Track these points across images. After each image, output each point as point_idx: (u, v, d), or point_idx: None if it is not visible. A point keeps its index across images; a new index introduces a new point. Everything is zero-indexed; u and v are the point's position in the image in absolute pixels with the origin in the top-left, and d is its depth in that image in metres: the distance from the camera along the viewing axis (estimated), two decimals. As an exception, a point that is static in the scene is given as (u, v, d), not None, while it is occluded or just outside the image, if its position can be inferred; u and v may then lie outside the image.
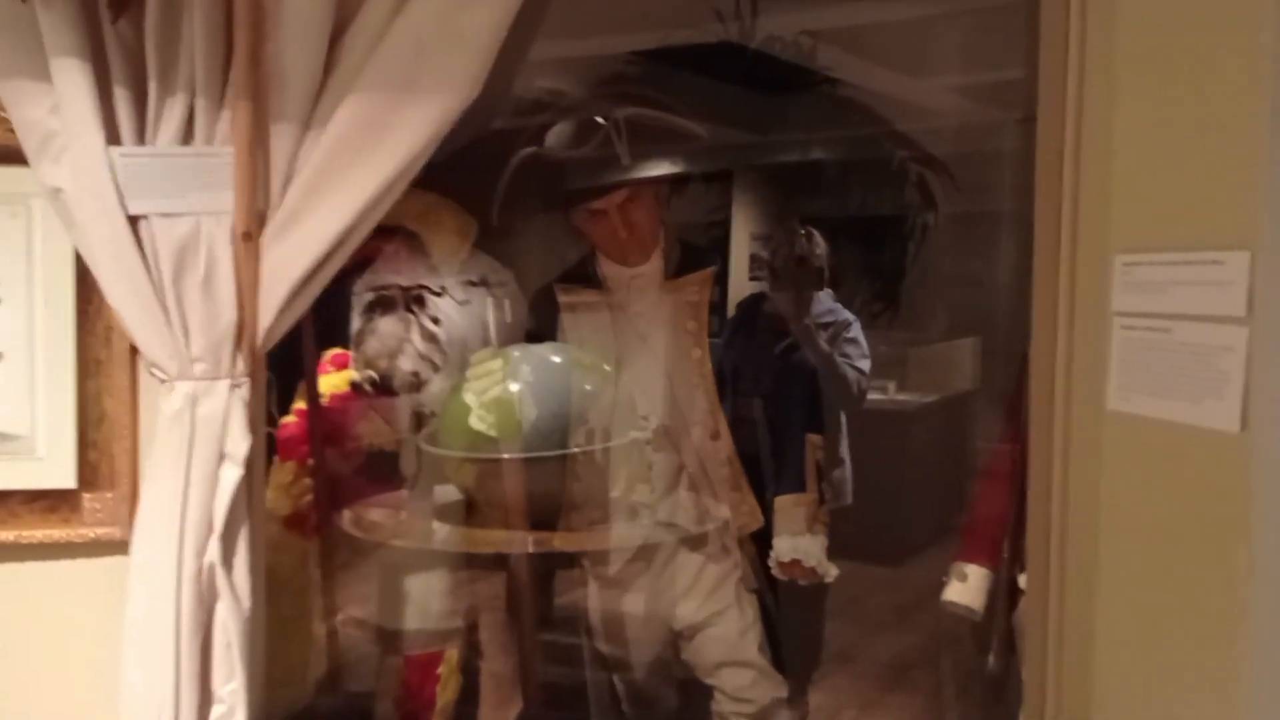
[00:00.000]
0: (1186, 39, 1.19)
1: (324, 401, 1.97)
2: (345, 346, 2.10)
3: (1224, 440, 1.11)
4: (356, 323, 2.19)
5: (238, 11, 1.45)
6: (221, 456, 1.47)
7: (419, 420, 2.16)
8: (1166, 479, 1.20)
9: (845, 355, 2.84)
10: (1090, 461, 1.32)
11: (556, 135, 2.07)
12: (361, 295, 2.24)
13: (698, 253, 2.22)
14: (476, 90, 1.48)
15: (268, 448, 1.96)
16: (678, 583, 2.07)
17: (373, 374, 2.17)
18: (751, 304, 2.56)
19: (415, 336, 2.19)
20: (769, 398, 2.31)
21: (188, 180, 1.46)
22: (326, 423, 1.94)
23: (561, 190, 2.08)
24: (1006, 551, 1.88)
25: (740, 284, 5.23)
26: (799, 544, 1.99)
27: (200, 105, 1.46)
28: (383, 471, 2.05)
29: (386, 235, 2.07)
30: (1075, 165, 1.36)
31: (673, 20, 2.59)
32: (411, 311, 2.21)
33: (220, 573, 1.46)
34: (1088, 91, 1.35)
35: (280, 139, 1.49)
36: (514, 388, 1.90)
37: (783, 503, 2.05)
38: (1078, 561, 1.39)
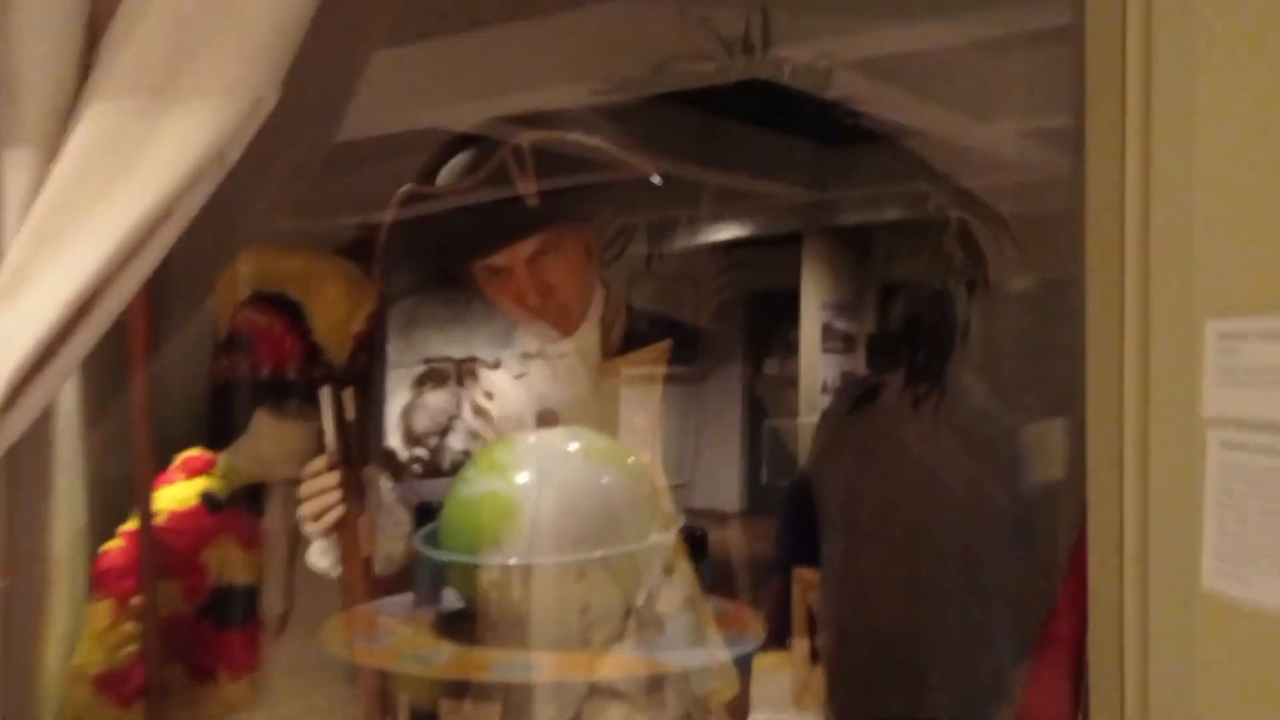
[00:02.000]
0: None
1: (160, 520, 1.55)
2: (211, 447, 1.69)
3: None
4: (405, 397, 2.00)
5: (-51, -2, 1.06)
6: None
7: (425, 514, 1.78)
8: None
9: (1004, 480, 2.04)
10: (1179, 670, 0.80)
11: (450, 170, 1.63)
12: (411, 368, 2.03)
13: (652, 322, 1.76)
14: (271, 92, 1.06)
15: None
16: (628, 767, 1.57)
17: (423, 453, 1.95)
18: (853, 391, 2.03)
19: (466, 413, 1.95)
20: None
21: (-127, 230, 1.07)
22: (163, 548, 1.53)
23: (453, 241, 1.65)
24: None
25: (811, 362, 4.75)
26: (782, 725, 1.47)
27: (-105, 128, 1.07)
28: (234, 614, 1.64)
29: (263, 307, 1.67)
30: (1142, 185, 0.86)
31: (680, 55, 2.17)
32: (463, 385, 1.97)
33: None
34: (1158, 80, 0.85)
35: (13, 172, 1.08)
36: (521, 480, 1.57)
37: (762, 664, 1.55)
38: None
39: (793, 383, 5.13)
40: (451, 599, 1.69)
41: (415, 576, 1.73)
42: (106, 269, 1.06)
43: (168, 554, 1.56)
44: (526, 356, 2.00)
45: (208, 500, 1.61)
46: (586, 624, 1.61)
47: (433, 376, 1.99)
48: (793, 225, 4.34)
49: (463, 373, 1.98)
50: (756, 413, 5.68)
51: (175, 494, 1.61)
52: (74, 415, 1.40)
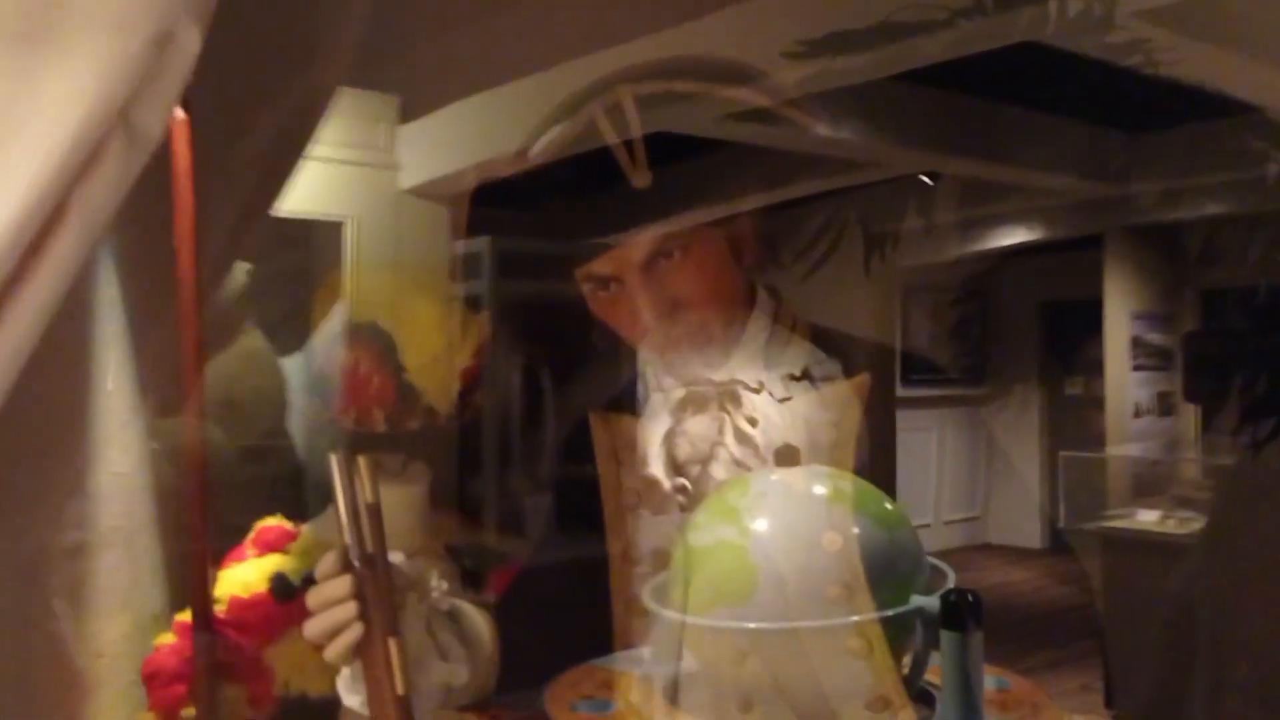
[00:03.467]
0: None
1: (220, 610, 1.26)
2: (293, 516, 1.39)
3: None
4: (666, 423, 1.80)
5: None
6: None
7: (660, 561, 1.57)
8: None
9: None
10: None
11: (541, 146, 1.27)
12: (670, 391, 1.85)
13: (840, 348, 1.32)
14: (185, 27, 0.81)
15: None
16: None
17: (685, 483, 1.71)
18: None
19: (729, 439, 1.76)
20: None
21: None
22: (222, 646, 1.22)
23: (543, 241, 1.30)
24: None
25: (1119, 381, 4.19)
26: None
27: None
28: (308, 731, 1.30)
29: (352, 339, 1.42)
30: None
31: (910, 5, 1.75)
32: (726, 411, 1.79)
33: None
34: None
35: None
36: (756, 529, 1.32)
37: None
38: None
39: (1099, 405, 4.58)
40: (692, 658, 1.45)
41: (652, 630, 1.50)
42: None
43: (228, 652, 1.22)
44: (792, 379, 1.77)
45: (278, 585, 1.21)
46: (833, 700, 1.32)
47: (693, 401, 1.79)
48: (1091, 224, 3.83)
49: (724, 397, 1.80)
50: (1058, 439, 5.11)
51: (241, 576, 1.29)
52: (140, 471, 1.11)
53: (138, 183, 0.75)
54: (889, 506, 1.33)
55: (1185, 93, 2.29)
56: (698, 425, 1.64)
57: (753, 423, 1.70)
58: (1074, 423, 5.03)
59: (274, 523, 1.35)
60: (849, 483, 1.35)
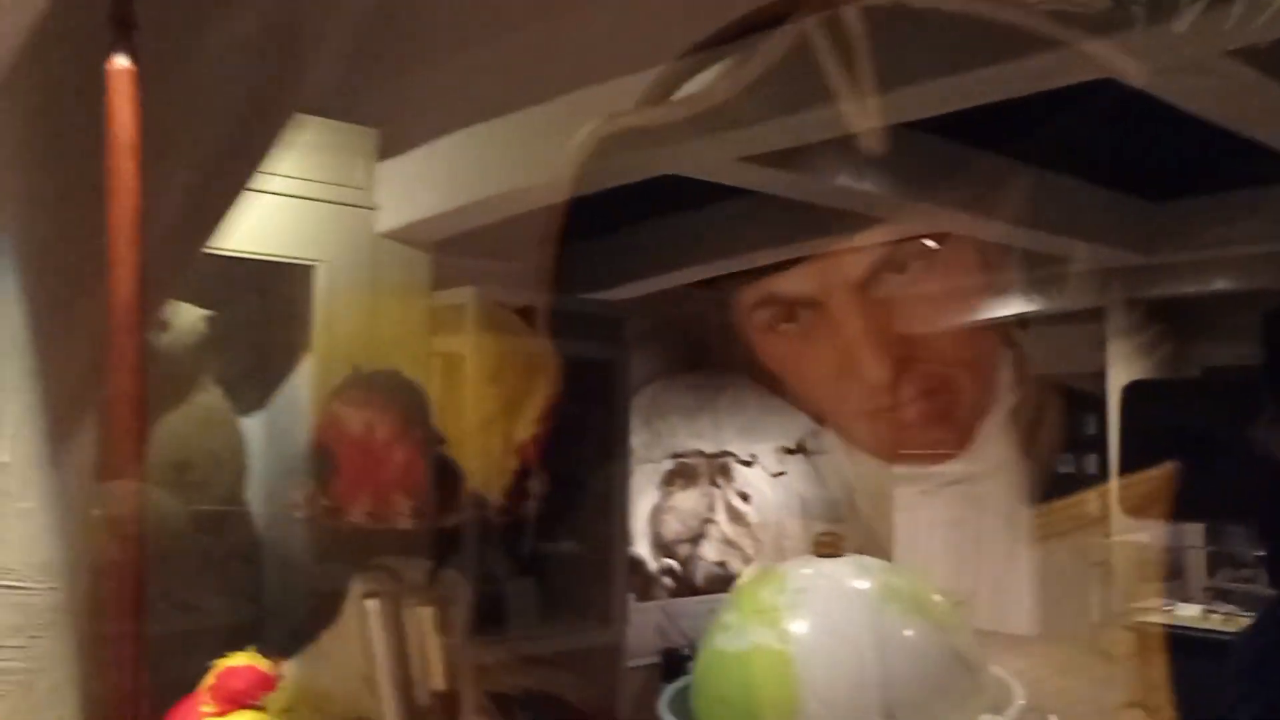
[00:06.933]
0: None
1: None
2: (270, 653, 0.98)
3: None
4: (653, 497, 1.76)
5: None
6: None
7: (673, 663, 1.39)
8: None
9: None
10: None
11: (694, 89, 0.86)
12: (659, 463, 1.76)
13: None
14: None
15: None
16: None
17: (673, 563, 1.71)
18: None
19: (721, 516, 1.78)
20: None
21: None
22: None
23: (687, 243, 0.92)
24: None
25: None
26: None
27: None
28: None
29: (364, 397, 1.11)
30: None
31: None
32: (716, 485, 1.78)
33: None
34: None
35: None
36: (797, 631, 1.10)
37: None
38: None
39: (1091, 484, 4.44)
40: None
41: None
42: None
43: None
44: (786, 452, 1.70)
45: None
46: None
47: (682, 474, 1.74)
48: (1096, 296, 3.70)
49: (714, 470, 1.71)
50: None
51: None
52: (42, 576, 0.81)
53: (48, 156, 0.53)
54: (938, 599, 1.12)
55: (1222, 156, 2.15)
56: (687, 500, 1.49)
57: (745, 499, 1.55)
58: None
59: (243, 661, 0.91)
60: (898, 575, 1.14)
